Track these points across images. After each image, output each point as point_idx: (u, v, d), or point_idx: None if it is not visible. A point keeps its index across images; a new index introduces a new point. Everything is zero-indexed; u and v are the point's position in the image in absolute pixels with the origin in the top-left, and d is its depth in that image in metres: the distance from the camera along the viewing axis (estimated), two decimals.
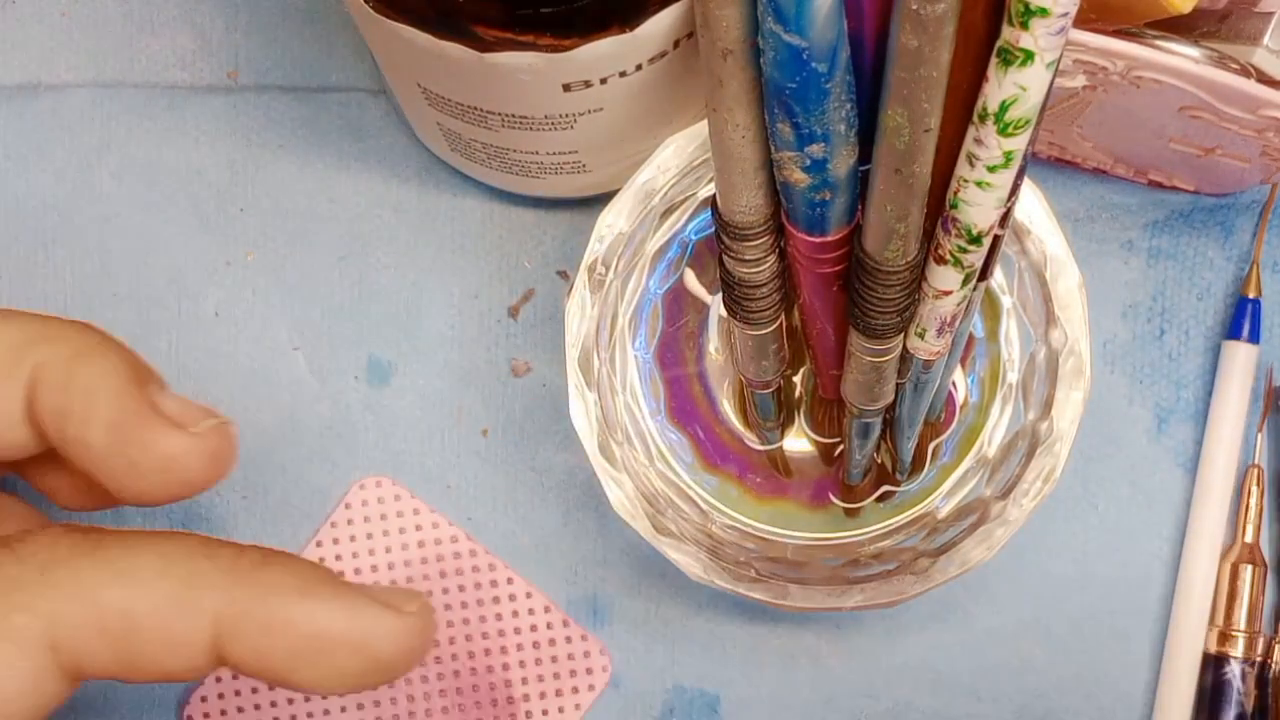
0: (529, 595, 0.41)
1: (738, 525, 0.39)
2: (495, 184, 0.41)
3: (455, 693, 0.41)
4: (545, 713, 0.41)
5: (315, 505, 0.42)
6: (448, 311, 0.42)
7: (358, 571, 0.41)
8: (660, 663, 0.42)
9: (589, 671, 0.41)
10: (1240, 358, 0.41)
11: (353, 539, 0.41)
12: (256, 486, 0.42)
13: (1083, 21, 0.33)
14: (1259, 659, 0.41)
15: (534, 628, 0.41)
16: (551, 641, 0.41)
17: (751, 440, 0.40)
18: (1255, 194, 0.42)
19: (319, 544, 0.41)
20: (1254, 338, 0.41)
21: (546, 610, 0.41)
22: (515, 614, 0.41)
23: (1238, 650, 0.40)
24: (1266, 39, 0.35)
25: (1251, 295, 0.42)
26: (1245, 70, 0.35)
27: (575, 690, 0.41)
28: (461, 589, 0.41)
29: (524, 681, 0.41)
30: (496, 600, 0.41)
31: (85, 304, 0.42)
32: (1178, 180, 0.41)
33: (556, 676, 0.41)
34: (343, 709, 0.41)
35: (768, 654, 0.42)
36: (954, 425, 0.39)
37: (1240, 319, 0.42)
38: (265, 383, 0.42)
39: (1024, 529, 0.36)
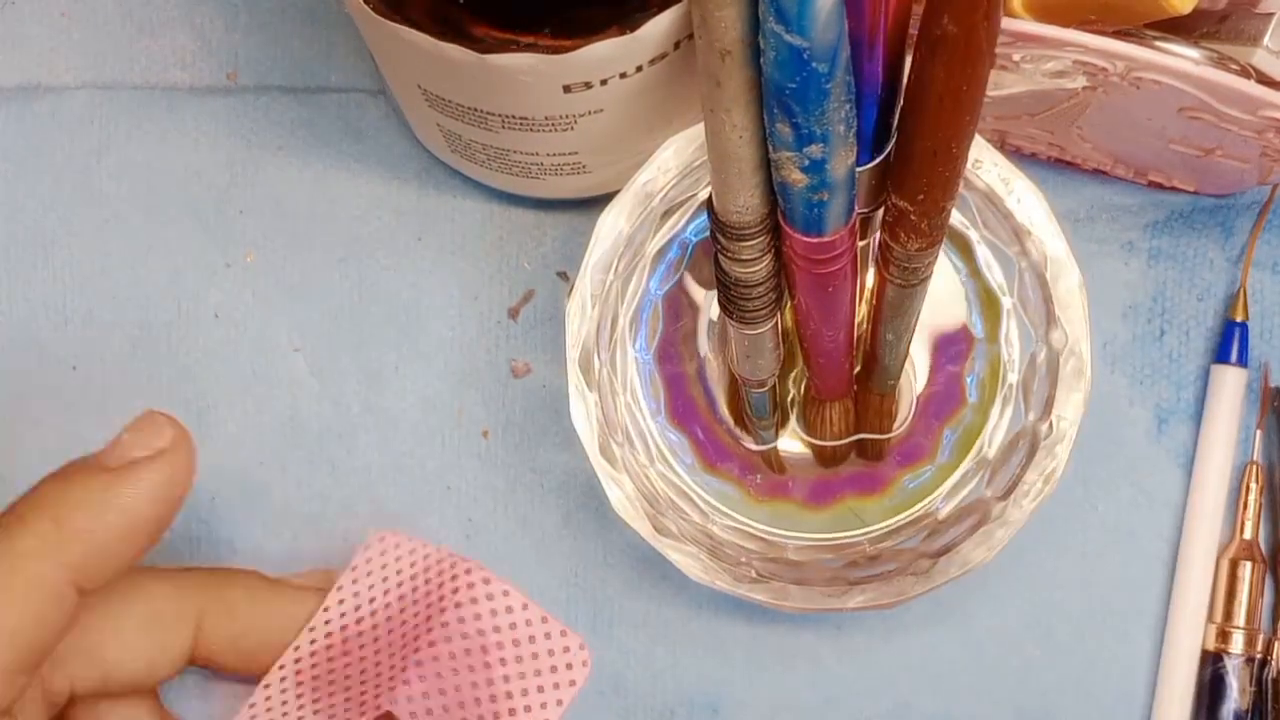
0: (506, 593, 0.41)
1: (738, 525, 0.39)
2: (495, 185, 0.41)
3: (439, 693, 0.40)
4: (528, 709, 0.41)
5: (315, 507, 0.42)
6: (448, 312, 0.42)
7: None
8: (661, 663, 0.42)
9: (569, 667, 0.41)
10: (1229, 381, 0.41)
11: None
12: (257, 487, 0.42)
13: (1083, 22, 0.33)
14: (1258, 656, 0.41)
15: (513, 625, 0.41)
16: (531, 639, 0.41)
17: (747, 440, 0.40)
18: (1255, 194, 0.42)
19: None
20: (1242, 361, 0.41)
21: (525, 608, 0.41)
22: (494, 613, 0.41)
23: (1236, 647, 0.40)
24: (1266, 40, 0.35)
25: (1239, 319, 0.41)
26: (1245, 71, 0.35)
27: (556, 686, 0.40)
28: (439, 587, 0.41)
29: (505, 680, 0.40)
30: (475, 601, 0.41)
31: (85, 304, 0.42)
32: (1178, 181, 0.41)
33: (538, 674, 0.40)
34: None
35: (768, 655, 0.42)
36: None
37: (1228, 344, 0.41)
38: (265, 384, 0.42)
39: (1024, 529, 0.36)
